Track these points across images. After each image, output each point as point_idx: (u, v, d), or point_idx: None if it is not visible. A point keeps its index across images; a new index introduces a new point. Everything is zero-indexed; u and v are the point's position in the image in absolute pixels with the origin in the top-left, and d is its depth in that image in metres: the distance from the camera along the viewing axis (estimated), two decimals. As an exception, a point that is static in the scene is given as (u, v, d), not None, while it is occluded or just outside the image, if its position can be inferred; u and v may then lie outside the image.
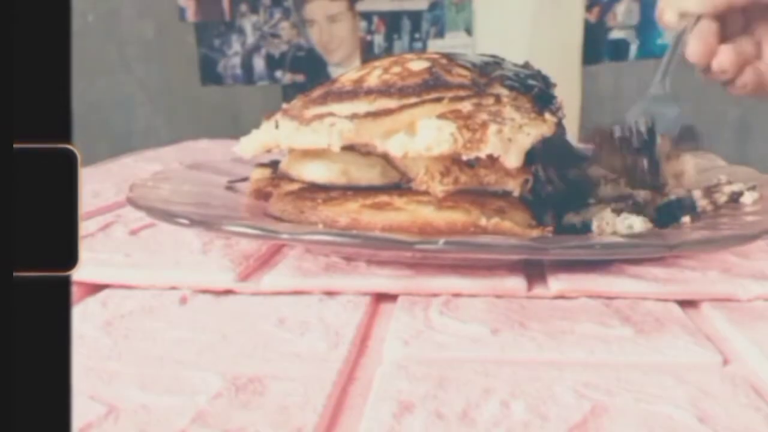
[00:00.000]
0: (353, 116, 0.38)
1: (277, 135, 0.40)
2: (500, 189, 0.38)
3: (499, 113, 0.37)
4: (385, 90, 0.39)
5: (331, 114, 0.39)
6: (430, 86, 0.39)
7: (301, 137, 0.39)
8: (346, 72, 0.44)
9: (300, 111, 0.41)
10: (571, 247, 0.34)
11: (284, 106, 0.43)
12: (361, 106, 0.39)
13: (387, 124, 0.38)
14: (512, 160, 0.35)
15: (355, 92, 0.40)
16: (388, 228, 0.36)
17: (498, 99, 0.39)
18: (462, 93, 0.38)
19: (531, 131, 0.36)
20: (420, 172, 0.37)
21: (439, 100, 0.38)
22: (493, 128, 0.35)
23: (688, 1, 0.48)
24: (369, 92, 0.39)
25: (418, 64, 0.41)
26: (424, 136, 0.36)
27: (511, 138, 0.36)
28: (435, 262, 0.37)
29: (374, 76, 0.41)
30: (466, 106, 0.38)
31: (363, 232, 0.35)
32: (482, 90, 0.39)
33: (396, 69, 0.41)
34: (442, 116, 0.37)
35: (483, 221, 0.36)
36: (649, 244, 0.34)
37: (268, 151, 0.42)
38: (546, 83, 0.44)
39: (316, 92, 0.42)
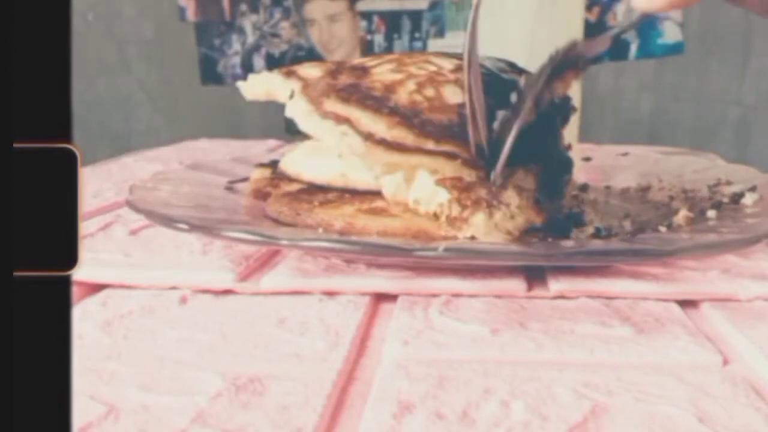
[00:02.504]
0: (368, 136, 0.37)
1: (283, 95, 0.40)
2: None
3: (500, 193, 0.37)
4: (409, 117, 0.38)
5: (348, 120, 0.38)
6: (453, 134, 0.37)
7: (311, 125, 0.38)
8: (381, 63, 0.42)
9: (319, 95, 0.39)
10: (570, 254, 0.34)
11: (302, 72, 0.42)
12: (380, 126, 0.38)
13: (395, 158, 0.37)
14: (479, 232, 0.35)
15: (380, 103, 0.38)
16: (383, 233, 0.36)
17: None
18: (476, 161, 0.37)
19: (521, 222, 0.36)
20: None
21: (453, 157, 0.37)
22: (480, 216, 0.35)
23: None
24: (393, 112, 0.38)
25: (452, 94, 0.39)
26: (418, 189, 0.36)
27: (497, 224, 0.35)
28: (435, 265, 0.37)
29: (406, 89, 0.39)
30: (471, 176, 0.37)
31: (363, 239, 0.35)
32: None
33: (429, 91, 0.39)
34: (441, 182, 0.36)
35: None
36: (650, 249, 0.34)
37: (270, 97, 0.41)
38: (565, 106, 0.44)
39: (344, 77, 0.41)
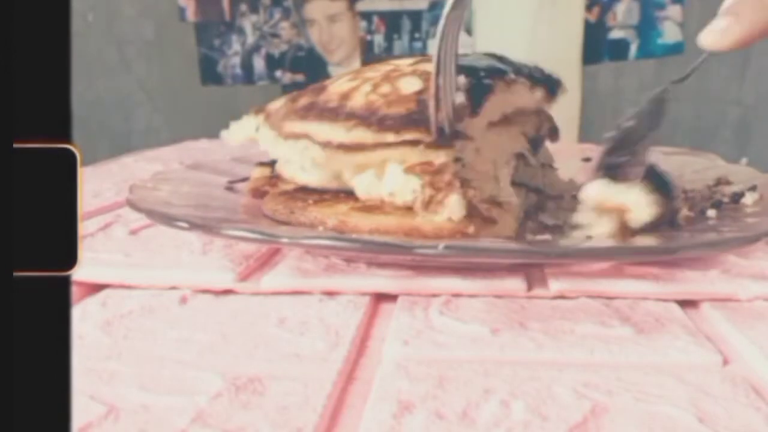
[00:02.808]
0: (327, 144, 0.38)
1: (253, 132, 0.41)
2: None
3: (473, 167, 0.37)
4: (366, 117, 0.38)
5: (306, 135, 0.38)
6: (413, 121, 0.37)
7: (278, 150, 0.39)
8: (340, 76, 0.43)
9: (281, 121, 0.40)
10: (571, 252, 0.34)
11: (270, 106, 0.43)
12: (338, 131, 0.38)
13: (359, 158, 0.37)
14: (455, 212, 0.35)
15: (336, 112, 0.39)
16: (375, 231, 0.36)
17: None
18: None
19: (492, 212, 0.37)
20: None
21: (415, 143, 0.37)
22: (454, 197, 0.35)
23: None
24: (350, 116, 0.38)
25: (409, 85, 0.39)
26: (390, 182, 0.36)
27: (472, 202, 0.36)
28: (435, 264, 0.37)
29: (362, 92, 0.39)
30: (440, 157, 0.36)
31: (363, 236, 0.35)
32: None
33: (385, 88, 0.39)
34: (410, 169, 0.36)
35: (470, 230, 0.36)
36: (651, 248, 0.34)
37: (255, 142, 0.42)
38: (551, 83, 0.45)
39: (303, 99, 0.42)
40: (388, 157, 0.37)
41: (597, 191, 0.36)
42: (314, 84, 0.44)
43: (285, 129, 0.40)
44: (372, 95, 0.39)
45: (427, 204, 0.35)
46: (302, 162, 0.38)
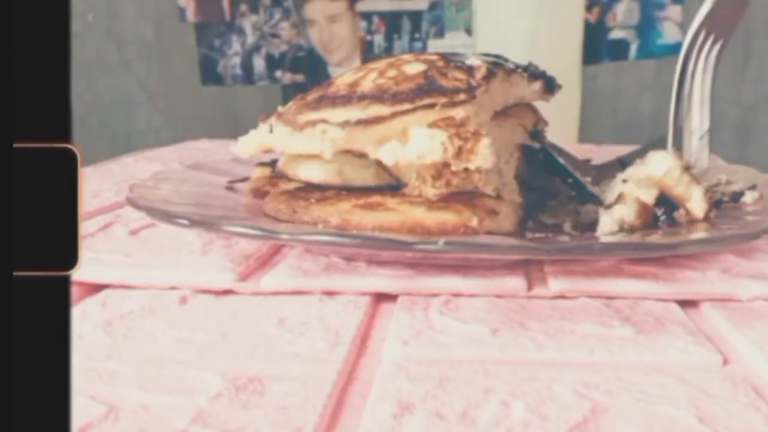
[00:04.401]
0: (345, 123, 0.38)
1: (272, 138, 0.41)
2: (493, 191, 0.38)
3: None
4: (378, 95, 0.39)
5: (323, 121, 0.38)
6: (424, 91, 0.38)
7: (295, 143, 0.39)
8: (343, 74, 0.44)
9: (294, 116, 0.41)
10: (571, 248, 0.34)
11: (280, 108, 0.44)
12: (354, 112, 0.38)
13: (379, 131, 0.38)
14: (487, 159, 0.36)
15: (348, 98, 0.39)
16: (378, 228, 0.36)
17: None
18: (456, 98, 0.38)
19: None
20: (411, 178, 0.37)
21: (431, 106, 0.38)
22: (485, 141, 0.35)
23: None
24: (362, 98, 0.39)
25: (413, 67, 0.41)
26: (416, 144, 0.36)
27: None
28: (435, 262, 0.37)
29: (369, 79, 0.41)
30: (459, 113, 0.37)
31: (363, 233, 0.35)
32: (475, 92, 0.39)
33: (391, 72, 0.41)
34: (433, 125, 0.36)
35: (474, 222, 0.36)
36: (650, 244, 0.34)
37: (266, 151, 0.42)
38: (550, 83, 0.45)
39: (312, 95, 0.42)
40: (408, 123, 0.37)
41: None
42: (317, 85, 0.44)
43: (300, 121, 0.40)
44: (380, 80, 0.40)
45: (458, 154, 0.35)
46: (321, 147, 0.38)
